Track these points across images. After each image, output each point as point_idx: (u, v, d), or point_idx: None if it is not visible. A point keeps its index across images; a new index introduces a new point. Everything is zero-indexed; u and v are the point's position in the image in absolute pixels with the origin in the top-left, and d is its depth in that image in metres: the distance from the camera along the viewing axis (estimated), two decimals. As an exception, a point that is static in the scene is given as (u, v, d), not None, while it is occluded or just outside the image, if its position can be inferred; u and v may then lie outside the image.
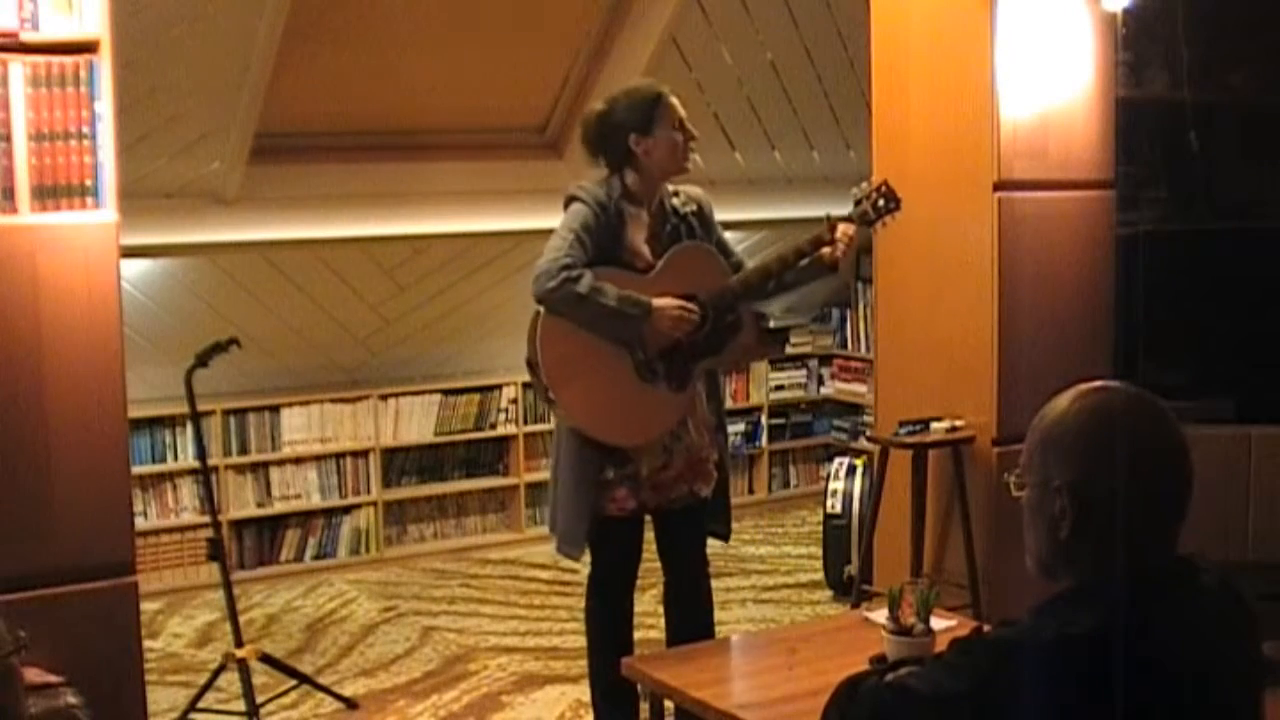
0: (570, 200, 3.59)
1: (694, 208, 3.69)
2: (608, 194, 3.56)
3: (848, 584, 5.13)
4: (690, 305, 3.53)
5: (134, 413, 4.01)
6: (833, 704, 1.84)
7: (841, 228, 3.59)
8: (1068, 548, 1.70)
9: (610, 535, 3.61)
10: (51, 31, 3.10)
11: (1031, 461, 1.74)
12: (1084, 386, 1.75)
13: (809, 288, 3.94)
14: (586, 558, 3.70)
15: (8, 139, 3.07)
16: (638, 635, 3.86)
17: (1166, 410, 1.72)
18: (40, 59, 3.09)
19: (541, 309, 3.50)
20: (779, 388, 7.13)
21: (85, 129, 3.13)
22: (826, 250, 3.61)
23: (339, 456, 6.07)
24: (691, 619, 3.75)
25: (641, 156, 3.55)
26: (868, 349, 6.75)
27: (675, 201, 3.67)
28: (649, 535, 3.75)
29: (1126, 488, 1.64)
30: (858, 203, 3.66)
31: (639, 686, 3.32)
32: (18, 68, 3.07)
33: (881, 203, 3.66)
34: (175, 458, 5.72)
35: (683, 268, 3.60)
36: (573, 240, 3.47)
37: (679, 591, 3.80)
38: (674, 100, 3.58)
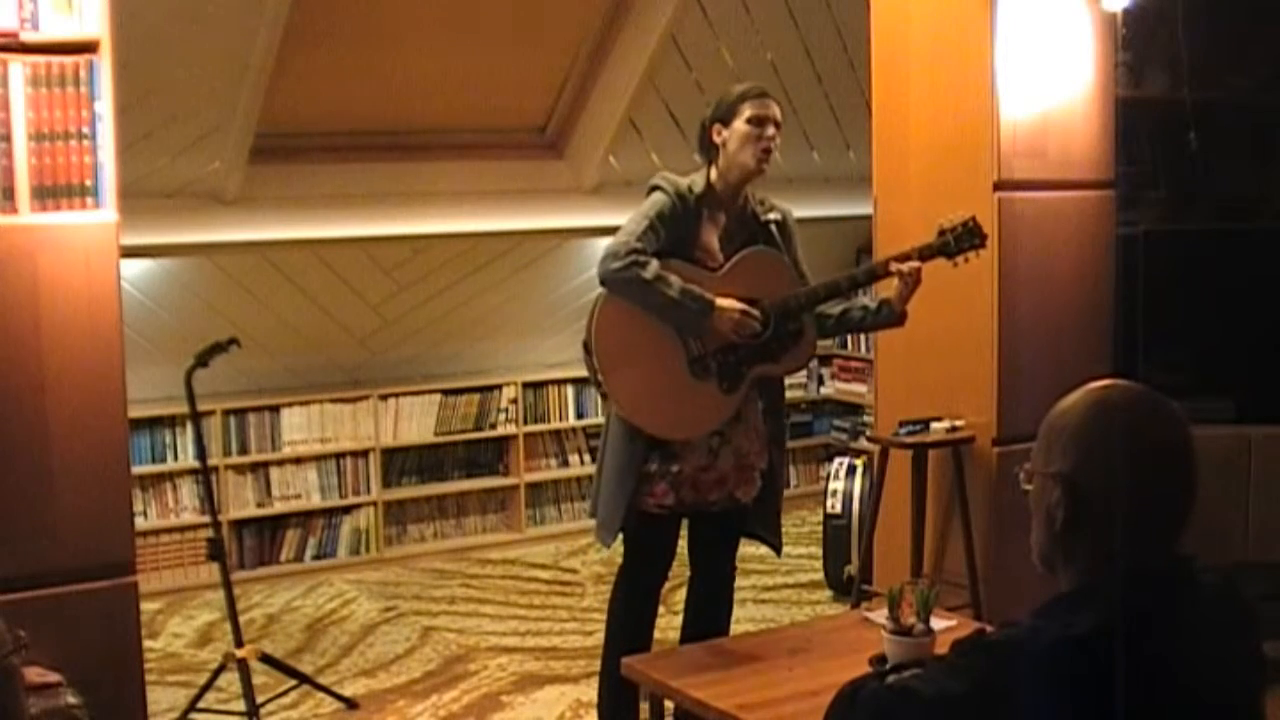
0: (652, 189, 3.59)
1: (777, 217, 3.67)
2: (690, 187, 3.56)
3: (848, 584, 5.13)
4: (753, 310, 3.51)
5: (134, 413, 4.01)
6: (834, 709, 1.84)
7: (910, 264, 3.56)
8: (1064, 540, 1.70)
9: (645, 532, 3.60)
10: (51, 31, 3.10)
11: (1037, 453, 1.74)
12: (1095, 383, 1.76)
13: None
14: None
15: (8, 139, 3.07)
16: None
17: (1174, 410, 1.71)
18: (40, 59, 3.09)
19: (604, 291, 3.50)
20: (779, 387, 7.12)
21: (85, 129, 3.13)
22: (896, 288, 3.58)
23: (339, 456, 6.07)
24: (710, 621, 3.76)
25: (720, 147, 3.56)
26: (868, 349, 6.75)
27: (759, 208, 3.66)
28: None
29: (1121, 482, 1.64)
30: (941, 233, 3.61)
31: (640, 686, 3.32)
32: (18, 68, 3.07)
33: (965, 237, 3.60)
34: (175, 458, 5.72)
35: (750, 271, 3.57)
36: (646, 227, 3.47)
37: (703, 593, 3.81)
38: (767, 103, 3.57)
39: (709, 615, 3.78)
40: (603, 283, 3.48)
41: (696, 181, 3.59)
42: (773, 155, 3.58)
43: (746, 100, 3.56)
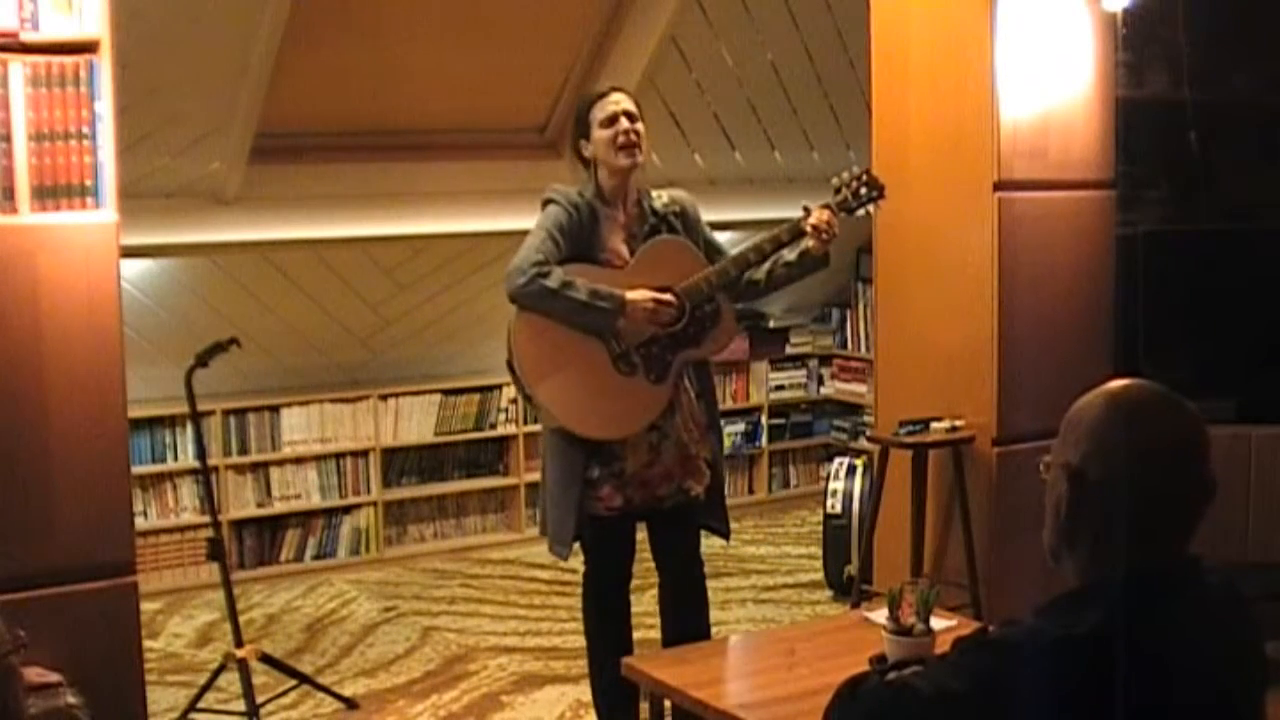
0: (546, 203, 3.63)
1: (677, 209, 3.71)
2: (580, 194, 3.61)
3: (848, 584, 5.13)
4: (664, 297, 3.54)
5: (134, 413, 4.01)
6: (833, 705, 1.84)
7: (816, 214, 3.59)
8: (1068, 531, 1.71)
9: (600, 535, 3.62)
10: (51, 31, 3.10)
11: (1054, 447, 1.76)
12: (1116, 381, 1.77)
13: (806, 284, 3.94)
14: (581, 558, 3.71)
15: (8, 139, 3.07)
16: (637, 635, 3.86)
17: (1191, 413, 1.71)
18: (40, 59, 3.09)
19: (515, 308, 3.52)
20: (779, 388, 7.13)
21: (85, 129, 3.13)
22: (811, 243, 3.61)
23: (339, 456, 6.07)
24: (687, 621, 3.75)
25: (592, 160, 3.62)
26: (868, 349, 6.75)
27: (657, 203, 3.69)
28: (642, 535, 3.75)
29: (1127, 476, 1.64)
30: (837, 190, 3.67)
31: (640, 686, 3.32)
32: (18, 68, 3.07)
33: (863, 190, 3.67)
34: (175, 458, 5.72)
35: (657, 261, 3.61)
36: (545, 238, 3.51)
37: (674, 593, 3.80)
38: (614, 98, 3.61)
39: (686, 614, 3.78)
40: (512, 299, 3.50)
41: (586, 189, 3.63)
42: (640, 146, 3.59)
43: (594, 105, 3.62)
